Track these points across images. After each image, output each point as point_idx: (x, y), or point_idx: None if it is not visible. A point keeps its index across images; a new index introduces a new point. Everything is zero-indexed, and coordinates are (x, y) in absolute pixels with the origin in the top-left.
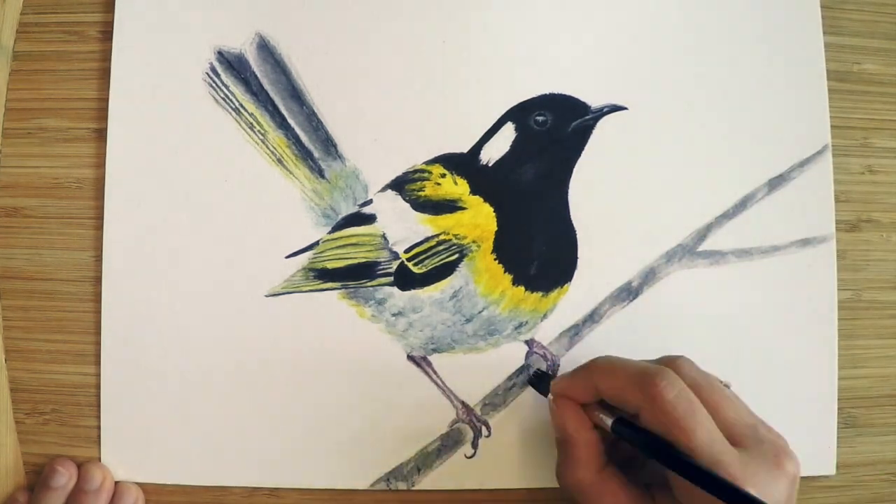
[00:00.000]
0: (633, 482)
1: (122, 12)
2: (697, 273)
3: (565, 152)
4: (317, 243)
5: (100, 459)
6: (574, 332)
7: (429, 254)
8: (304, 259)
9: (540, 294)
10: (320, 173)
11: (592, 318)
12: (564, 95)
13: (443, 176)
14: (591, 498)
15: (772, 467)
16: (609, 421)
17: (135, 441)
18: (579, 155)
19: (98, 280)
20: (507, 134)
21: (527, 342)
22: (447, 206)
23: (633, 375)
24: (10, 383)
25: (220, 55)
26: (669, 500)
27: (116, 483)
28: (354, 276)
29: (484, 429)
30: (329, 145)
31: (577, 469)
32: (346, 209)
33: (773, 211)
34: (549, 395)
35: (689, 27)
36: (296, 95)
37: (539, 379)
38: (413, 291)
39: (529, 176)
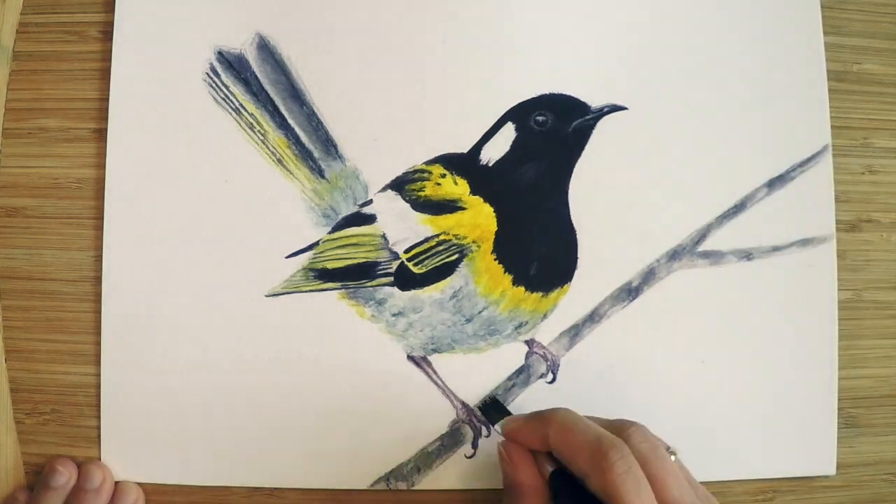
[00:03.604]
0: None
1: (122, 12)
2: (697, 273)
3: (565, 152)
4: (317, 243)
5: (100, 459)
6: (574, 332)
7: (429, 254)
8: (304, 259)
9: (540, 294)
10: (320, 173)
11: (592, 318)
12: (564, 95)
13: (443, 176)
14: None
15: None
16: (548, 470)
17: (135, 441)
18: (579, 155)
19: (98, 280)
20: (508, 134)
21: (527, 342)
22: (447, 207)
23: (586, 442)
24: (10, 383)
25: (220, 55)
26: None
27: (116, 483)
28: (354, 276)
29: (484, 429)
30: (329, 145)
31: None
32: (346, 209)
33: (773, 211)
34: (498, 432)
35: (689, 27)
36: (296, 95)
37: (492, 407)
38: (413, 291)
39: (529, 176)
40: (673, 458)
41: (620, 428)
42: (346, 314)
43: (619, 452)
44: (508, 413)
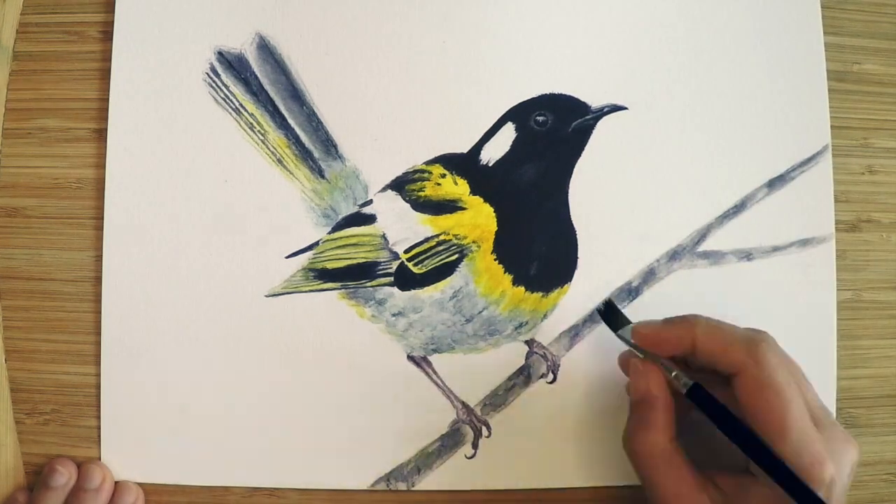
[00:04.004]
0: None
1: (122, 12)
2: (697, 273)
3: (565, 152)
4: (317, 243)
5: (100, 459)
6: (574, 332)
7: (429, 254)
8: (304, 259)
9: (540, 294)
10: (320, 173)
11: (592, 318)
12: (565, 95)
13: (443, 176)
14: (659, 466)
15: (844, 451)
16: (685, 384)
17: (135, 441)
18: (579, 155)
19: (98, 280)
20: (508, 134)
21: (527, 342)
22: (447, 207)
23: (739, 335)
24: (10, 383)
25: (220, 55)
26: (734, 485)
27: (116, 483)
28: (354, 277)
29: (484, 429)
30: (329, 145)
31: (651, 432)
32: (346, 209)
33: (773, 211)
34: (624, 339)
35: (689, 27)
36: (296, 95)
37: (609, 310)
38: (413, 291)
39: (530, 176)
40: None
41: (756, 333)
42: (346, 314)
43: (771, 346)
44: (626, 319)
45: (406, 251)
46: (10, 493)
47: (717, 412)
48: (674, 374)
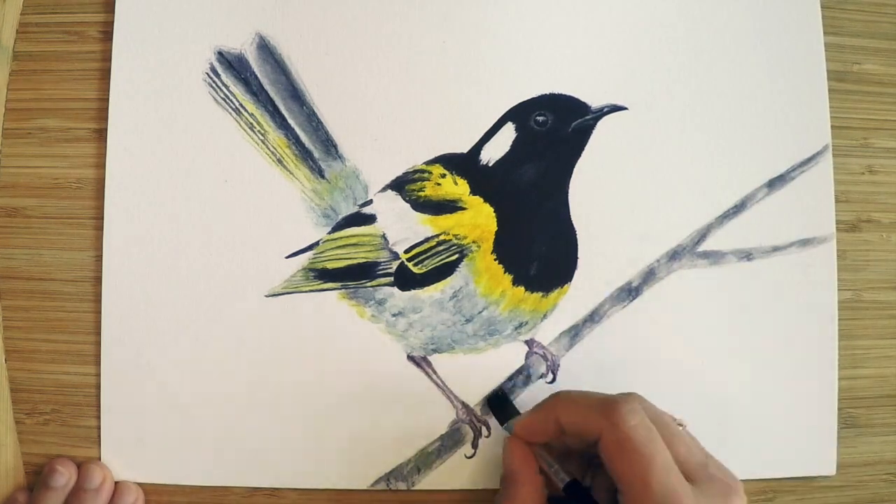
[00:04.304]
0: None
1: (122, 12)
2: (697, 273)
3: (565, 152)
4: (317, 243)
5: (100, 459)
6: (574, 333)
7: (429, 254)
8: (304, 259)
9: (540, 294)
10: (320, 173)
11: (592, 318)
12: (565, 95)
13: (443, 176)
14: None
15: (723, 502)
16: (562, 480)
17: (135, 441)
18: (579, 155)
19: (98, 280)
20: (508, 134)
21: (527, 342)
22: (447, 207)
23: (595, 402)
24: (10, 383)
25: (220, 55)
26: None
27: (116, 483)
28: (354, 277)
29: (484, 429)
30: (329, 145)
31: None
32: (346, 209)
33: (773, 211)
34: (507, 430)
35: (689, 27)
36: (296, 95)
37: (499, 402)
38: (413, 291)
39: (530, 176)
40: (681, 428)
41: (622, 396)
42: (346, 314)
43: (628, 405)
44: (515, 409)
45: (406, 251)
46: (10, 494)
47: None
48: (553, 468)
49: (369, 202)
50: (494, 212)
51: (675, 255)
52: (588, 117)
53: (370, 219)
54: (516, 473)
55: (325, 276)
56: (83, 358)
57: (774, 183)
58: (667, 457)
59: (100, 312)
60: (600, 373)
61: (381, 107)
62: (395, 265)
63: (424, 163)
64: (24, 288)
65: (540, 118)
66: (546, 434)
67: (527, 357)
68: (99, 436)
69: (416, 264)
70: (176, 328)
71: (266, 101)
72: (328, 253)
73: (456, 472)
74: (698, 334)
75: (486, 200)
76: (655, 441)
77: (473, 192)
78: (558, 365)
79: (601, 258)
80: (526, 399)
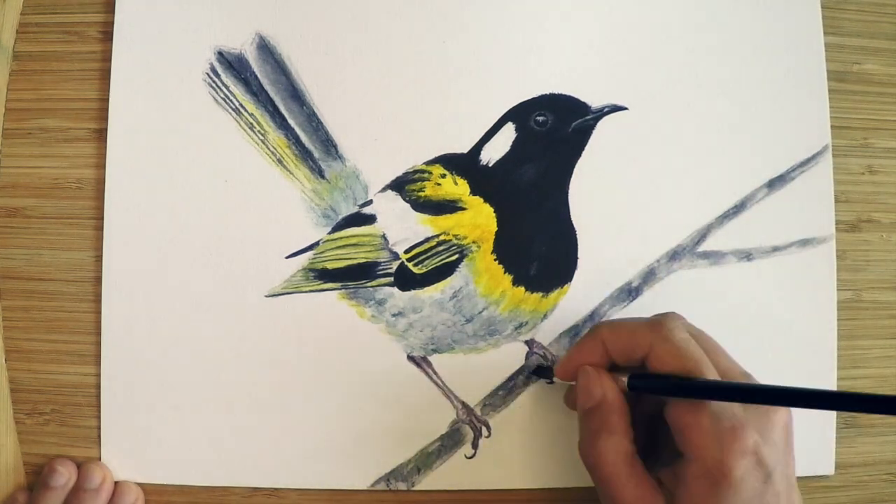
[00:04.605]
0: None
1: (122, 12)
2: (697, 273)
3: (565, 152)
4: (317, 243)
5: (100, 459)
6: (574, 333)
7: (429, 254)
8: (304, 259)
9: (540, 294)
10: (320, 173)
11: (592, 318)
12: (565, 95)
13: (443, 176)
14: (622, 472)
15: (768, 413)
16: (624, 380)
17: (135, 441)
18: (579, 155)
19: (98, 280)
20: (508, 134)
21: (527, 342)
22: (447, 207)
23: (640, 322)
24: (10, 383)
25: (220, 55)
26: (670, 476)
27: (116, 483)
28: (354, 277)
29: (484, 429)
30: (329, 145)
31: (614, 437)
32: (346, 209)
33: (773, 211)
34: (556, 378)
35: (688, 27)
36: (296, 95)
37: (541, 371)
38: (413, 292)
39: (530, 176)
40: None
41: (662, 315)
42: (346, 314)
43: (674, 321)
44: (550, 368)
45: (406, 251)
46: (9, 494)
47: (661, 385)
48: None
49: (369, 202)
50: (494, 212)
51: (675, 255)
52: (588, 117)
53: (370, 219)
54: (606, 399)
55: (325, 276)
56: (83, 358)
57: (774, 183)
58: (714, 369)
59: (100, 312)
60: None
61: (381, 107)
62: (395, 265)
63: (424, 163)
64: (24, 288)
65: (540, 118)
66: (594, 362)
67: (527, 357)
68: (99, 436)
69: (416, 264)
70: (176, 328)
71: (266, 101)
72: (328, 253)
73: (456, 472)
74: None
75: (486, 200)
76: (702, 354)
77: (473, 192)
78: None
79: (601, 258)
80: (526, 398)
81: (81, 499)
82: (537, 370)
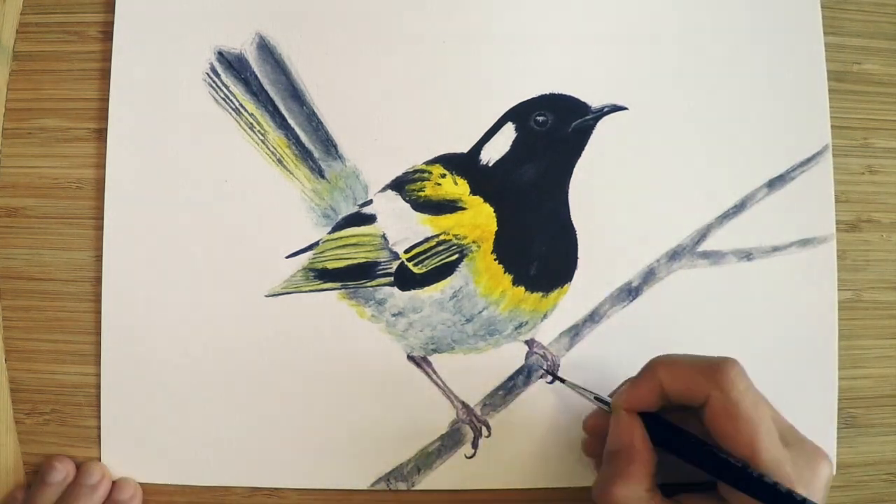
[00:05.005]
0: None
1: (122, 12)
2: (697, 273)
3: (565, 152)
4: (317, 243)
5: (100, 459)
6: (574, 333)
7: (429, 254)
8: (304, 259)
9: (540, 294)
10: (320, 173)
11: (592, 318)
12: (565, 95)
13: (443, 176)
14: None
15: (814, 467)
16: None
17: (135, 441)
18: (579, 155)
19: (98, 280)
20: (508, 134)
21: (527, 342)
22: (447, 207)
23: (701, 364)
24: (10, 383)
25: (220, 55)
26: None
27: (114, 481)
28: (354, 277)
29: (484, 429)
30: (329, 145)
31: (632, 484)
32: (346, 209)
33: (773, 211)
34: (612, 408)
35: (688, 27)
36: (296, 95)
37: (548, 372)
38: (413, 291)
39: (529, 176)
40: None
41: (722, 360)
42: (346, 314)
43: (736, 371)
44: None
45: (406, 251)
46: (8, 492)
47: (686, 445)
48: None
49: (369, 202)
50: (494, 212)
51: (675, 255)
52: (588, 117)
53: (370, 219)
54: (631, 449)
55: (325, 276)
56: (83, 358)
57: (774, 183)
58: (769, 423)
59: (100, 312)
60: (600, 373)
61: (381, 107)
62: (395, 265)
63: (424, 163)
64: (24, 288)
65: (540, 118)
66: (650, 403)
67: (527, 357)
68: (99, 436)
69: (416, 264)
70: (176, 328)
71: (266, 101)
72: (328, 253)
73: (456, 472)
74: (698, 334)
75: (486, 200)
76: (761, 406)
77: (473, 192)
78: (558, 365)
79: (601, 258)
80: (526, 399)
81: (77, 494)
82: (547, 371)
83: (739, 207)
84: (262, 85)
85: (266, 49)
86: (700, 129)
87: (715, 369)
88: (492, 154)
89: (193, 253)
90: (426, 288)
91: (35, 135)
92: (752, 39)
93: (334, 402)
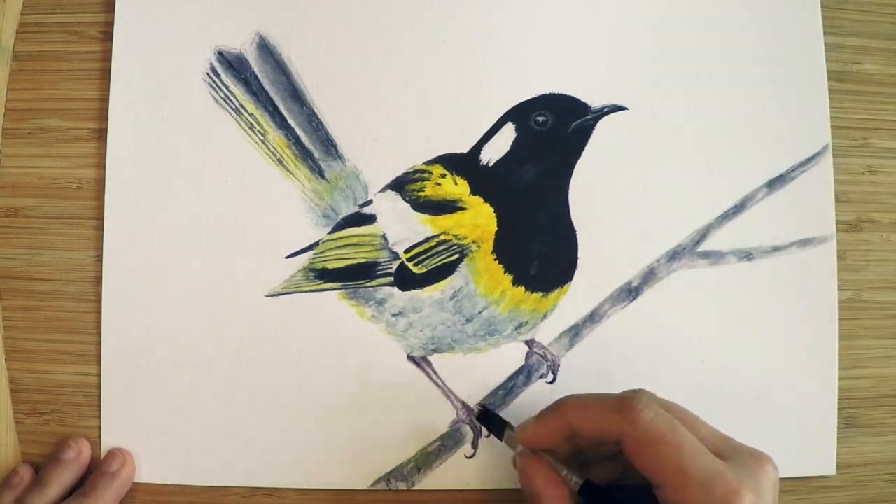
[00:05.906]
0: None
1: (122, 12)
2: (697, 273)
3: (565, 152)
4: (317, 243)
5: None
6: (574, 333)
7: (429, 254)
8: (304, 259)
9: (540, 294)
10: (320, 173)
11: (592, 318)
12: (565, 95)
13: (443, 176)
14: None
15: (757, 472)
16: (576, 483)
17: (135, 441)
18: (579, 155)
19: (98, 280)
20: (508, 134)
21: (527, 342)
22: (447, 207)
23: (607, 403)
24: (10, 383)
25: (220, 55)
26: None
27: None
28: (354, 277)
29: (484, 429)
30: (329, 145)
31: None
32: (346, 209)
33: (773, 211)
34: (510, 445)
35: (688, 27)
36: (296, 95)
37: (487, 418)
38: (413, 292)
39: (530, 176)
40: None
41: (632, 393)
42: (346, 314)
43: (642, 401)
44: (501, 421)
45: (406, 251)
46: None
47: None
48: (563, 473)
49: (369, 202)
50: (494, 212)
51: (675, 255)
52: (588, 117)
53: (370, 219)
54: (541, 495)
55: (325, 276)
56: (83, 358)
57: (774, 183)
58: (692, 441)
59: (100, 312)
60: (600, 373)
61: (381, 107)
62: (395, 265)
63: (424, 163)
64: (24, 288)
65: (540, 118)
66: (555, 441)
67: (527, 357)
68: (99, 436)
69: (416, 264)
70: (176, 328)
71: (266, 101)
72: (328, 253)
73: (456, 472)
74: (698, 334)
75: (486, 200)
76: (678, 428)
77: (473, 192)
78: (558, 365)
79: (601, 258)
80: (526, 398)
81: (59, 470)
82: (484, 418)
83: (739, 207)
84: (262, 85)
85: (266, 49)
86: (700, 129)
87: (622, 405)
88: (492, 154)
89: (193, 253)
90: (426, 288)
91: (35, 135)
92: (752, 39)
93: (334, 402)
